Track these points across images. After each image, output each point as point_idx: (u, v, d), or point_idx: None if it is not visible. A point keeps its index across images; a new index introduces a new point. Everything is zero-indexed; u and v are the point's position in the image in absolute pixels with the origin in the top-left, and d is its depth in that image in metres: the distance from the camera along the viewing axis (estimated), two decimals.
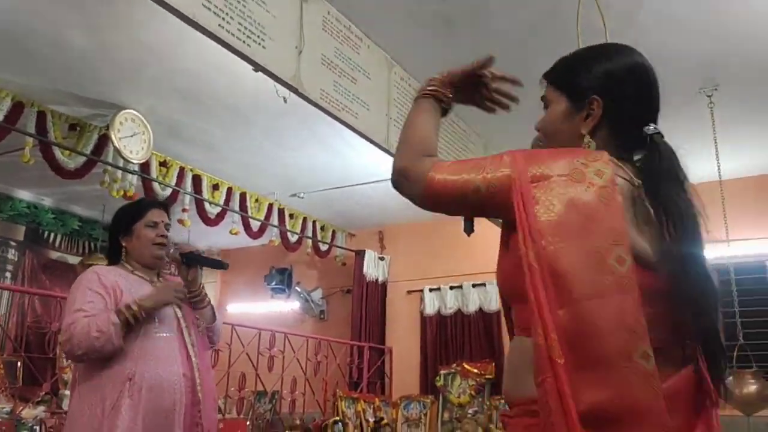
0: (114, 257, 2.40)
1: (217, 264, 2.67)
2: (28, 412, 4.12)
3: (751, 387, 3.72)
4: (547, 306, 0.97)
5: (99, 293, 2.16)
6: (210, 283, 7.81)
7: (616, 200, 1.02)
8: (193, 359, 2.25)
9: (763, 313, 5.17)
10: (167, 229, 2.42)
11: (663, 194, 1.09)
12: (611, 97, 1.16)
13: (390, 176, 1.23)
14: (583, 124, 1.17)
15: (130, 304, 2.13)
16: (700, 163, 5.00)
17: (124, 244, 2.37)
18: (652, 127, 1.15)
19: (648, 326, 0.97)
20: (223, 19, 2.59)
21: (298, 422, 5.41)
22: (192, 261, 2.39)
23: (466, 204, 1.12)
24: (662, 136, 1.16)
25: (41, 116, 4.19)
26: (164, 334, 2.22)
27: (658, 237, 1.06)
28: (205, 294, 2.48)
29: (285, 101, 3.42)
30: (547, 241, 1.00)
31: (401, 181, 1.19)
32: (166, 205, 2.56)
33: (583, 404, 0.92)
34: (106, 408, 2.05)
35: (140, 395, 2.08)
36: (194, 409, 2.19)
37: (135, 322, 2.13)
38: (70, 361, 2.23)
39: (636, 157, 1.17)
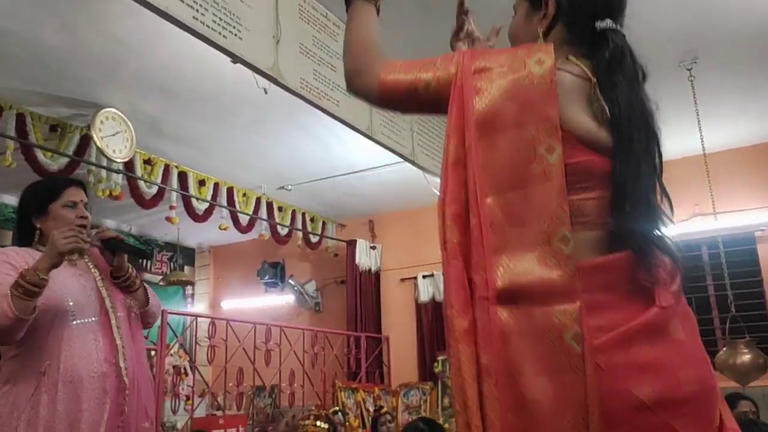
0: (25, 240, 2.14)
1: (139, 252, 2.48)
2: None
3: (745, 357, 3.73)
4: (477, 193, 1.03)
5: (7, 273, 1.91)
6: (203, 280, 7.79)
7: (553, 89, 1.02)
8: (119, 343, 2.05)
9: (754, 284, 5.20)
10: (87, 209, 2.19)
11: (612, 89, 1.09)
12: None
13: (347, 87, 1.26)
14: (539, 24, 1.19)
15: (23, 271, 1.88)
16: (684, 137, 5.01)
17: (38, 226, 2.11)
18: (606, 22, 1.15)
19: (591, 208, 1.05)
20: (197, 10, 2.56)
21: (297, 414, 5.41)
22: (113, 247, 2.18)
23: (418, 100, 1.16)
24: (618, 33, 1.16)
25: (20, 118, 4.15)
26: (83, 321, 2.02)
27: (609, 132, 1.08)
28: (135, 276, 2.24)
29: (266, 92, 3.39)
30: (480, 132, 1.04)
31: (356, 82, 1.22)
32: (83, 183, 2.30)
33: (500, 281, 0.99)
34: (20, 405, 1.89)
35: (56, 389, 1.90)
36: (119, 396, 2.00)
37: (37, 287, 1.86)
38: None
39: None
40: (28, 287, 1.85)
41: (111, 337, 2.05)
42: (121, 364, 2.03)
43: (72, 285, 2.05)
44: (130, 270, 2.21)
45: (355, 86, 1.23)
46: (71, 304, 2.01)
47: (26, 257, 2.01)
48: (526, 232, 1.00)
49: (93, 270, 2.17)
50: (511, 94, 1.04)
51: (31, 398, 1.89)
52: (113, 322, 2.08)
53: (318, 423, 4.29)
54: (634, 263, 1.03)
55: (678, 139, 5.10)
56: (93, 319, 2.05)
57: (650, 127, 1.11)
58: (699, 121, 4.25)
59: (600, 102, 1.08)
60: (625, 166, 1.05)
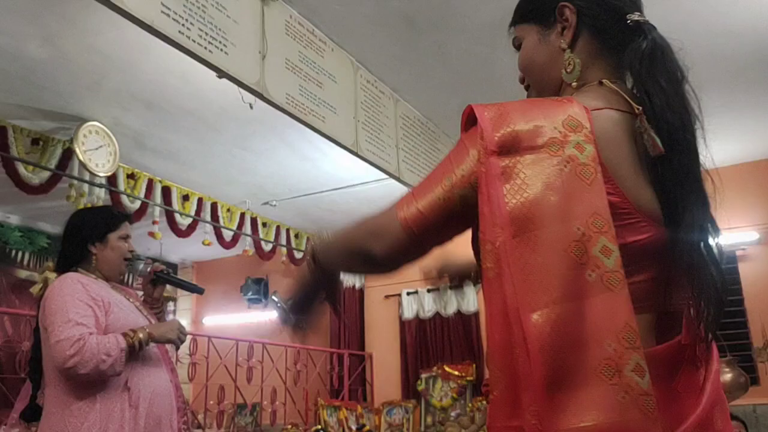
0: (72, 261, 2.29)
1: (191, 288, 2.76)
2: None
3: (727, 375, 3.74)
4: (516, 308, 0.80)
5: (89, 306, 2.09)
6: (185, 296, 7.71)
7: (599, 180, 0.84)
8: (173, 366, 2.31)
9: (735, 303, 5.24)
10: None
11: (654, 102, 0.92)
12: None
13: (370, 270, 1.06)
14: (560, 40, 1.02)
15: (138, 331, 2.11)
16: None
17: (94, 252, 2.28)
18: (636, 14, 0.99)
19: (641, 292, 0.86)
20: (183, 25, 2.55)
21: None
22: (164, 281, 2.44)
23: (461, 221, 0.93)
24: (651, 25, 0.99)
25: (2, 131, 4.10)
26: (152, 345, 2.23)
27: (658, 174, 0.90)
28: (165, 311, 2.57)
29: (251, 107, 3.38)
30: (519, 228, 0.82)
31: (375, 249, 0.95)
32: (132, 218, 2.55)
33: None
34: (97, 420, 2.00)
35: (139, 404, 2.08)
36: (179, 415, 2.23)
37: (140, 349, 2.11)
38: (62, 374, 2.05)
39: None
40: (137, 346, 2.09)
41: (167, 357, 2.31)
42: (179, 387, 2.28)
43: (134, 314, 2.26)
44: (163, 305, 2.51)
45: (378, 254, 0.95)
46: (146, 324, 2.24)
47: (96, 286, 2.18)
48: (585, 359, 0.77)
49: (131, 300, 2.35)
50: (551, 182, 0.83)
51: (114, 413, 2.04)
52: (168, 349, 2.35)
53: None
54: (686, 348, 0.88)
55: None
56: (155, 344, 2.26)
57: (692, 159, 0.93)
58: None
59: (649, 133, 0.89)
60: (686, 238, 0.88)
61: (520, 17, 1.10)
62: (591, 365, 0.77)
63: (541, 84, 1.07)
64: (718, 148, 5.08)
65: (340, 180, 5.42)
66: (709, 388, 0.88)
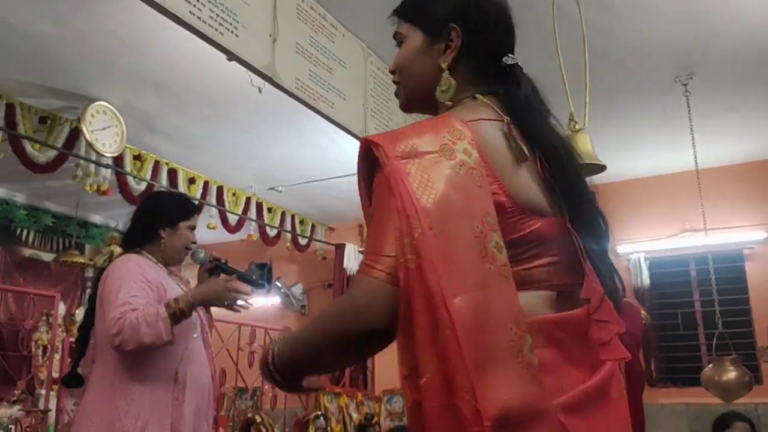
0: (138, 241, 2.34)
1: (250, 281, 2.40)
2: (3, 412, 4.04)
3: (731, 374, 3.73)
4: (441, 294, 0.85)
5: (143, 288, 2.14)
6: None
7: (486, 183, 0.93)
8: (213, 362, 2.35)
9: (741, 301, 5.22)
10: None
11: (530, 127, 1.03)
12: (469, 25, 1.07)
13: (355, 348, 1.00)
14: (442, 57, 1.08)
15: (179, 299, 2.10)
16: (678, 153, 5.03)
17: (163, 236, 2.33)
18: (510, 57, 1.08)
19: (552, 272, 0.97)
20: (194, 5, 2.53)
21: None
22: (222, 271, 2.40)
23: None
24: (521, 68, 1.09)
25: (10, 109, 4.09)
26: (196, 335, 2.26)
27: (535, 173, 1.01)
28: None
29: (260, 91, 3.36)
30: (434, 221, 0.88)
31: (372, 323, 0.91)
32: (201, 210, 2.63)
33: (493, 408, 0.82)
34: (149, 406, 2.05)
35: (184, 395, 2.13)
36: (214, 407, 2.32)
37: (182, 317, 2.08)
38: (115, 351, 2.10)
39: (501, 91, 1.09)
40: (179, 315, 2.07)
41: (209, 350, 2.34)
42: (216, 378, 2.33)
43: None
44: None
45: (378, 323, 0.91)
46: (194, 318, 2.23)
47: (152, 270, 2.24)
48: (498, 340, 0.86)
49: (183, 287, 2.38)
50: (452, 181, 0.91)
51: (160, 402, 2.08)
52: (208, 340, 2.36)
53: None
54: (587, 320, 0.97)
55: (672, 154, 5.12)
56: (197, 334, 2.29)
57: (570, 161, 1.05)
58: (693, 137, 4.25)
59: (515, 142, 0.99)
60: (580, 225, 1.01)
61: (406, 13, 1.15)
62: (502, 346, 0.86)
63: (413, 90, 1.15)
64: (730, 145, 5.06)
65: (347, 167, 5.39)
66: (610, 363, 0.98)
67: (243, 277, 2.41)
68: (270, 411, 5.45)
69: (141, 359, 2.10)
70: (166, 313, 2.04)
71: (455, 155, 0.93)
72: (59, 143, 4.31)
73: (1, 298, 5.86)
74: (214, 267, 2.42)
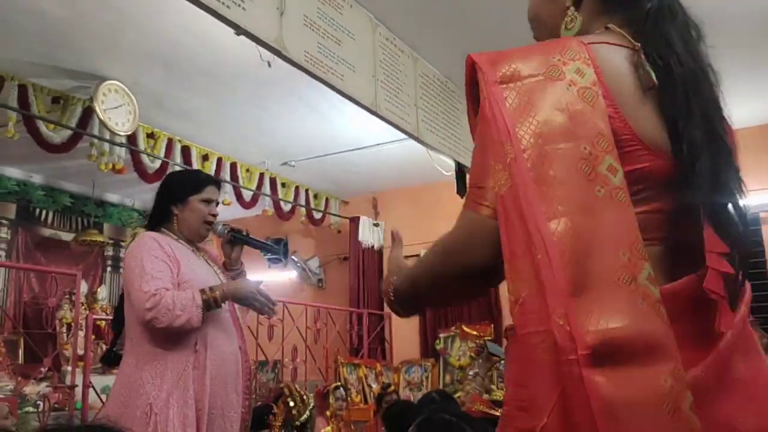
0: (158, 221, 2.38)
1: (270, 249, 2.56)
2: (31, 389, 4.14)
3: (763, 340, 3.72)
4: (535, 218, 0.80)
5: (165, 262, 2.17)
6: None
7: (601, 103, 0.86)
8: (243, 332, 2.34)
9: (759, 265, 5.18)
10: (216, 207, 2.43)
11: (660, 47, 0.92)
12: None
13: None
14: None
15: (215, 288, 2.16)
16: None
17: (176, 213, 2.34)
18: None
19: (662, 222, 0.87)
20: None
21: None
22: (241, 242, 2.44)
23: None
24: None
25: (23, 90, 4.12)
26: (224, 308, 2.26)
27: (659, 106, 0.90)
28: (245, 273, 2.53)
29: (269, 65, 3.36)
30: (528, 143, 0.83)
31: (475, 261, 0.89)
32: (220, 183, 2.56)
33: (592, 335, 0.75)
34: (170, 378, 2.09)
35: (205, 367, 2.13)
36: (245, 378, 2.28)
37: (215, 306, 2.15)
38: (142, 326, 2.16)
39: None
40: (212, 303, 2.13)
41: (237, 323, 2.33)
42: (246, 351, 2.32)
43: (209, 276, 2.31)
44: (242, 264, 2.51)
45: (481, 263, 0.88)
46: None
47: (170, 244, 2.24)
48: (603, 266, 0.78)
49: (211, 264, 2.40)
50: (556, 103, 0.85)
51: (182, 373, 2.11)
52: (238, 313, 2.36)
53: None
54: (700, 288, 0.84)
55: None
56: (227, 308, 2.29)
57: (712, 89, 0.94)
58: None
59: (644, 67, 0.90)
60: (693, 171, 0.87)
61: None
62: (609, 272, 0.78)
63: (546, 38, 1.07)
64: (744, 108, 4.98)
65: (358, 140, 5.39)
66: (730, 334, 0.85)
67: (262, 245, 2.51)
68: (291, 383, 5.53)
69: (164, 332, 2.13)
70: (201, 300, 2.10)
71: (564, 75, 0.87)
72: (73, 123, 4.35)
73: (24, 277, 5.97)
74: (232, 238, 2.45)
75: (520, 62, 0.90)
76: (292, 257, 7.01)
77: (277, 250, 2.55)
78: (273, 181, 6.12)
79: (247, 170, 5.88)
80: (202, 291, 2.13)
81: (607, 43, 0.94)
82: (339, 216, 6.96)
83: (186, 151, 5.23)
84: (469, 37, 3.81)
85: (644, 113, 0.89)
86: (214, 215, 2.39)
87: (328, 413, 4.63)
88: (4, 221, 6.08)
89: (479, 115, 0.90)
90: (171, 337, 2.14)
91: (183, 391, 2.10)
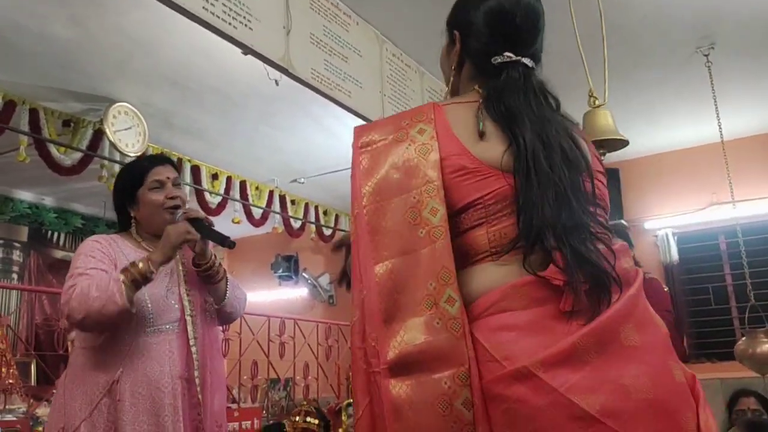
0: (124, 230, 2.05)
1: (222, 239, 1.97)
2: (44, 411, 4.14)
3: (765, 346, 3.67)
4: (365, 262, 1.03)
5: (101, 260, 1.86)
6: None
7: (434, 155, 1.04)
8: (194, 357, 1.91)
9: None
10: (177, 186, 2.03)
11: (505, 102, 1.09)
12: (463, 30, 1.19)
13: None
14: (452, 59, 1.22)
15: (136, 261, 1.80)
16: (701, 125, 4.94)
17: (133, 215, 2.01)
18: (500, 57, 1.14)
19: (508, 233, 1.02)
20: (207, 1, 2.54)
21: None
22: (198, 230, 1.94)
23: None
24: (519, 65, 1.14)
25: (34, 113, 4.16)
26: (159, 328, 1.89)
27: (505, 143, 1.06)
28: (219, 265, 2.06)
29: (277, 84, 3.38)
30: (368, 201, 1.06)
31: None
32: (169, 159, 2.13)
33: (392, 352, 0.97)
34: (79, 403, 1.82)
35: (124, 399, 1.80)
36: (194, 411, 1.89)
37: (144, 280, 1.79)
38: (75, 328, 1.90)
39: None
40: (137, 276, 1.77)
41: (187, 348, 1.91)
42: (196, 380, 1.90)
43: (154, 287, 1.89)
44: (213, 258, 2.03)
45: None
46: (151, 308, 1.88)
47: (119, 245, 1.94)
48: (415, 297, 0.99)
49: (180, 267, 2.00)
50: (394, 162, 1.06)
51: (97, 401, 1.81)
52: (190, 330, 1.93)
53: (308, 419, 4.20)
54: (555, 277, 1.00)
55: (695, 126, 5.03)
56: (169, 326, 1.91)
57: (551, 132, 1.07)
58: (717, 108, 4.17)
59: (480, 119, 1.08)
60: (527, 182, 1.01)
61: (446, 22, 1.27)
62: (417, 301, 0.98)
63: (445, 83, 1.28)
64: (755, 115, 4.95)
65: None
66: (613, 310, 0.97)
67: (212, 235, 1.99)
68: (302, 400, 5.50)
69: (92, 342, 1.87)
70: (120, 276, 1.76)
71: (407, 136, 1.07)
72: (83, 145, 4.38)
73: (37, 299, 5.99)
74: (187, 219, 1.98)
75: (378, 129, 1.12)
76: (303, 274, 7.00)
77: (224, 239, 1.98)
78: (282, 199, 6.13)
79: (257, 188, 5.89)
80: (122, 269, 1.79)
81: (459, 102, 1.15)
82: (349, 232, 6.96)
83: (196, 170, 5.26)
84: None
85: (489, 146, 1.06)
86: (173, 197, 1.98)
87: (340, 430, 4.60)
88: (16, 244, 6.13)
89: None
90: (92, 362, 1.86)
91: (93, 422, 1.80)
